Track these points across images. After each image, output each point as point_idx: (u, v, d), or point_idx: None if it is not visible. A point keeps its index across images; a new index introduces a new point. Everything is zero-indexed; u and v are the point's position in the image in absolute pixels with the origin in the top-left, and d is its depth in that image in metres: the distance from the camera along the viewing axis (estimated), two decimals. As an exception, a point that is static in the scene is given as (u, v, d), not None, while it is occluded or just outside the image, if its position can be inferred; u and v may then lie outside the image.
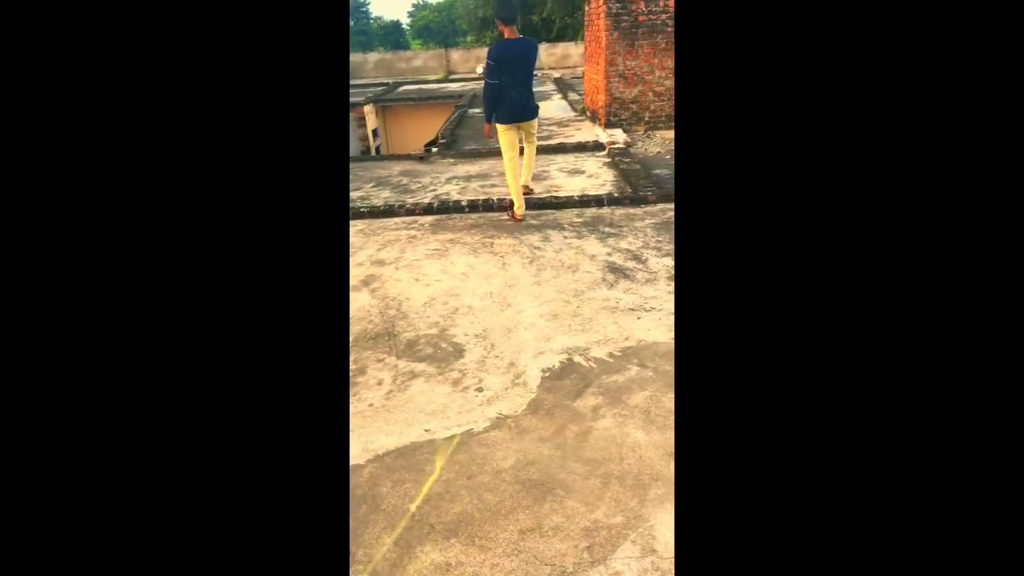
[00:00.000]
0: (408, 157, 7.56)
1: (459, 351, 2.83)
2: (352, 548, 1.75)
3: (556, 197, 5.00)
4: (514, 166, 4.38)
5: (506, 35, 4.17)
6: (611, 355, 2.71)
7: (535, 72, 4.55)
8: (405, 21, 47.49)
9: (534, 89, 4.41)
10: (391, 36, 44.62)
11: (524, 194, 4.64)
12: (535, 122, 4.50)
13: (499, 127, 4.31)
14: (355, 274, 3.80)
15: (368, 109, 12.51)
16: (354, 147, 12.13)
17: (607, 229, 4.34)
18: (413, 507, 1.90)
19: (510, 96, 4.17)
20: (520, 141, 4.50)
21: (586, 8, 8.25)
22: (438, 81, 16.36)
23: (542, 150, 6.90)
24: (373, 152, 12.26)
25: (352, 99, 12.88)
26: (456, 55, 18.31)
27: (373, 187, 5.96)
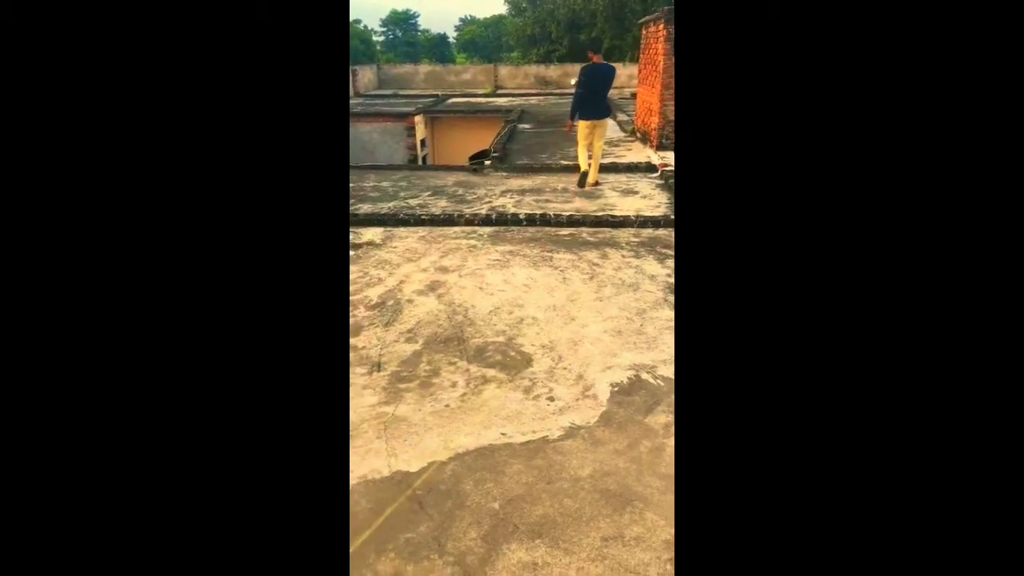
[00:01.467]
0: (461, 168, 7.74)
1: (527, 360, 2.91)
2: (441, 540, 1.83)
3: (613, 216, 5.07)
4: (584, 150, 6.16)
5: (594, 60, 5.84)
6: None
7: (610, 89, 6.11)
8: (452, 35, 48.47)
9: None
10: (437, 49, 45.57)
11: (593, 184, 6.26)
12: (607, 122, 6.13)
13: (580, 123, 5.99)
14: (421, 279, 3.93)
15: (418, 119, 12.83)
16: (401, 156, 12.44)
17: (664, 250, 4.39)
18: (496, 506, 1.97)
19: (591, 103, 5.85)
20: (591, 137, 6.08)
21: (644, 32, 8.37)
22: (486, 96, 16.68)
23: (594, 169, 7.02)
24: (420, 161, 12.55)
25: (402, 109, 13.23)
26: (504, 71, 18.63)
27: (430, 196, 6.12)
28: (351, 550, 1.79)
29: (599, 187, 6.23)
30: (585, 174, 6.14)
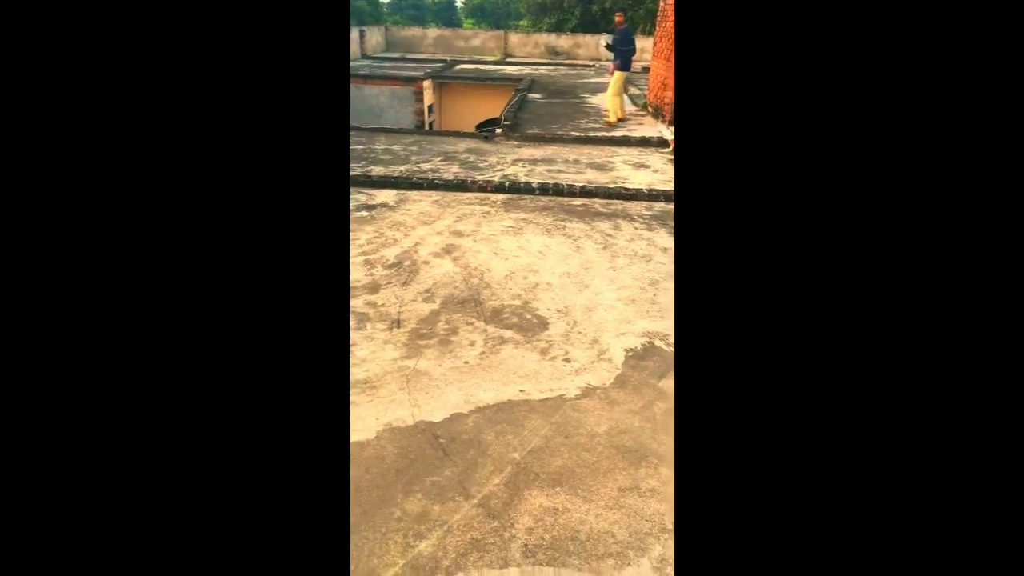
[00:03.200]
0: (472, 135, 7.70)
1: (543, 323, 2.98)
2: (465, 484, 1.93)
3: (625, 188, 5.09)
4: (613, 99, 7.94)
5: (619, 23, 7.61)
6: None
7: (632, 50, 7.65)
8: (459, 0, 47.26)
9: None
10: (444, 13, 44.49)
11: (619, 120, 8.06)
12: (624, 76, 7.74)
13: (617, 73, 7.65)
14: (436, 241, 3.97)
15: (426, 84, 12.64)
16: (409, 120, 12.31)
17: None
18: (517, 456, 2.06)
19: (625, 58, 7.52)
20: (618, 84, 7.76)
21: (661, 3, 8.23)
22: (495, 63, 16.41)
23: (604, 141, 7.02)
24: (427, 127, 12.42)
25: (410, 73, 13.03)
26: (514, 38, 18.28)
27: (442, 161, 6.11)
28: (377, 490, 1.88)
29: (611, 160, 6.23)
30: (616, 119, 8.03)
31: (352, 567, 1.62)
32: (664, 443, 2.15)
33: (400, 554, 1.66)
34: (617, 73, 7.63)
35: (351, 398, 2.34)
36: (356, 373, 2.52)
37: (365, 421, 2.21)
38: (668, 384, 2.51)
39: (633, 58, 7.66)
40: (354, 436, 2.13)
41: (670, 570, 1.64)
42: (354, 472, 1.97)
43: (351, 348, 2.70)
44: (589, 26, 19.44)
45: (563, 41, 18.14)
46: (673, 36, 7.41)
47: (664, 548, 1.71)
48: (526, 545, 1.70)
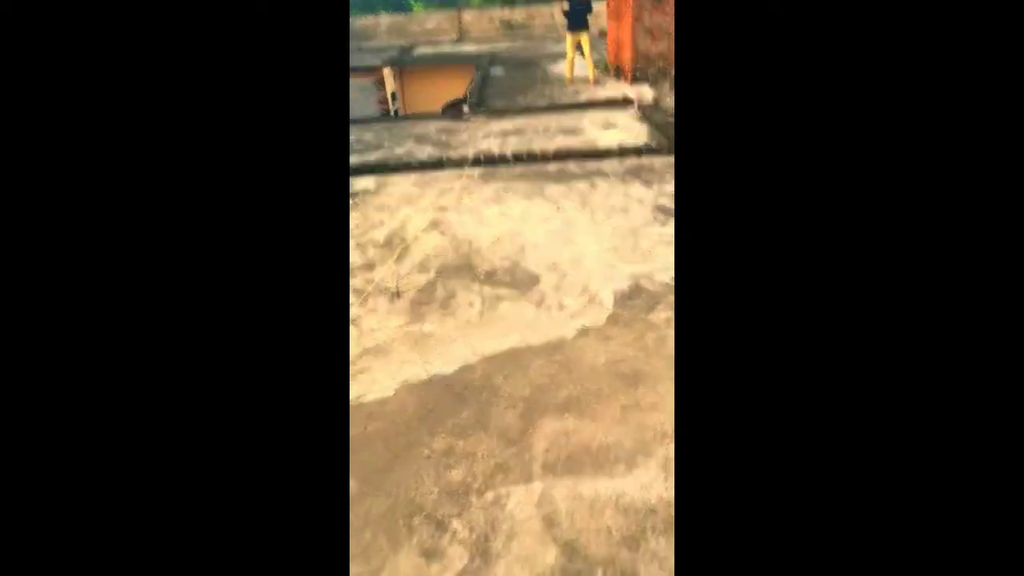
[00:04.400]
0: (441, 116, 7.76)
1: (534, 279, 3.16)
2: (483, 422, 2.11)
3: (597, 148, 5.25)
4: (569, 61, 8.25)
5: None
6: (674, 279, 3.03)
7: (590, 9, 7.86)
8: (407, -17, 46.38)
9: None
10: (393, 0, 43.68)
11: (594, 83, 8.02)
12: (587, 34, 7.80)
13: (567, 35, 7.89)
14: (422, 218, 4.11)
15: (387, 72, 12.58)
16: (373, 110, 12.26)
17: (649, 176, 4.61)
18: (527, 393, 2.25)
19: (574, 16, 7.63)
20: (579, 46, 7.88)
21: (611, -36, 8.29)
22: (452, 43, 16.31)
23: (572, 107, 7.14)
24: (393, 115, 12.39)
25: (369, 62, 12.93)
26: (468, 17, 18.12)
27: (414, 143, 6.20)
28: (403, 436, 2.06)
29: (580, 123, 6.37)
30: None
31: (391, 501, 1.80)
32: (657, 366, 2.35)
33: (434, 483, 1.85)
34: (568, 36, 7.93)
35: (364, 364, 2.51)
36: (366, 342, 2.68)
37: (382, 382, 2.38)
38: (656, 316, 2.71)
39: (589, 16, 7.73)
40: (374, 395, 2.31)
41: (673, 467, 1.86)
42: (380, 425, 2.14)
43: (357, 321, 2.86)
44: (542, -4, 19.28)
45: (517, 14, 18.02)
46: (626, -5, 7.50)
47: (667, 450, 1.92)
48: (545, 463, 1.90)
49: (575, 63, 8.28)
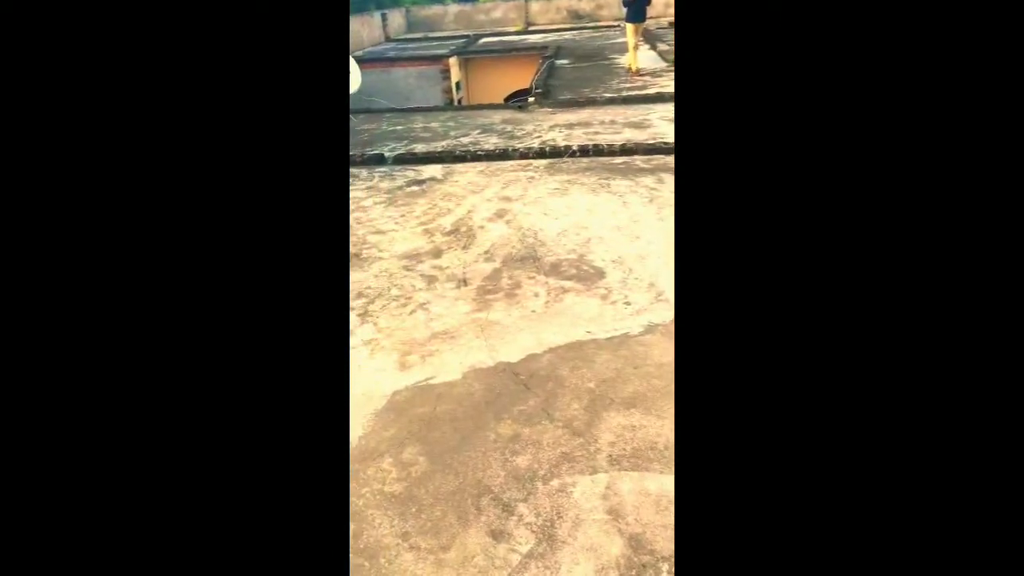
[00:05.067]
0: (506, 107, 7.80)
1: (600, 273, 3.15)
2: (549, 411, 2.15)
3: (665, 143, 5.15)
4: (633, 44, 8.53)
5: None
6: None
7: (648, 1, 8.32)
8: (474, -28, 46.54)
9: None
10: (460, -12, 43.96)
11: (631, 72, 8.52)
12: (641, 26, 8.49)
13: (627, 25, 8.38)
14: (488, 208, 4.17)
15: (452, 61, 12.72)
16: (438, 99, 12.44)
17: (720, 173, 4.49)
18: (592, 385, 2.27)
19: (633, 9, 8.13)
20: (636, 34, 8.47)
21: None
22: (517, 33, 16.29)
23: (638, 100, 7.04)
24: (456, 103, 12.53)
25: (436, 52, 13.12)
26: (535, 6, 18.05)
27: (480, 133, 6.27)
28: (471, 419, 2.12)
29: (647, 117, 6.26)
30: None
31: (460, 480, 1.87)
32: (727, 368, 2.31)
33: (501, 467, 1.90)
34: (627, 25, 8.37)
35: (433, 347, 2.59)
36: (434, 327, 2.76)
37: (450, 366, 2.45)
38: (726, 317, 2.65)
39: (648, 6, 8.29)
40: (442, 377, 2.38)
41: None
42: (447, 406, 2.21)
43: (426, 306, 2.94)
44: (610, -15, 18.94)
45: (584, 4, 17.80)
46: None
47: (736, 453, 1.89)
48: (611, 456, 1.92)
49: (637, 54, 8.67)
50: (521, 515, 1.72)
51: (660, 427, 2.02)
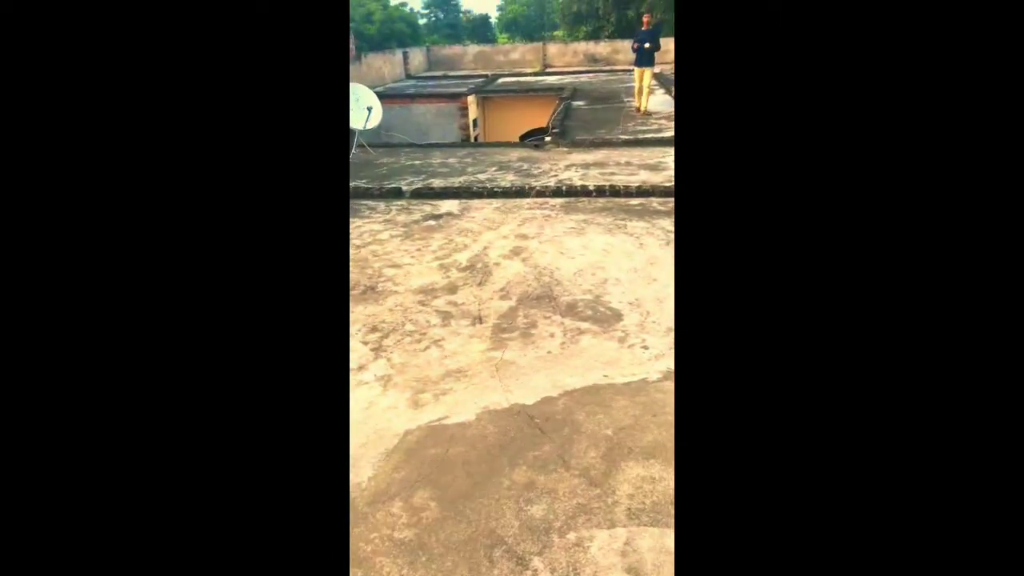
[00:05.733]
0: (522, 145, 7.92)
1: (617, 315, 3.12)
2: (565, 458, 2.08)
3: (681, 186, 5.18)
4: (639, 90, 9.03)
5: (645, 24, 8.57)
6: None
7: (657, 47, 8.54)
8: (493, 15, 48.14)
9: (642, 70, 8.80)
10: (479, 29, 45.39)
11: (640, 112, 9.04)
12: (649, 70, 8.75)
13: (636, 69, 8.84)
14: (504, 245, 4.17)
15: (470, 100, 13.01)
16: (455, 135, 12.68)
17: (736, 218, 4.49)
18: (609, 432, 2.20)
19: (641, 53, 8.45)
20: (643, 78, 8.83)
21: (704, 3, 8.29)
22: (535, 74, 16.71)
23: (654, 143, 7.13)
24: (472, 140, 12.76)
25: (454, 90, 13.44)
26: (552, 49, 18.57)
27: (497, 170, 6.34)
28: (484, 463, 2.06)
29: (663, 160, 6.32)
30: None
31: (472, 529, 1.80)
32: (749, 419, 2.24)
33: (515, 516, 1.83)
34: (636, 70, 8.86)
35: (447, 385, 2.54)
36: (448, 364, 2.72)
37: (464, 405, 2.40)
38: (746, 366, 2.60)
39: (658, 52, 8.67)
40: (456, 418, 2.33)
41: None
42: (460, 448, 2.15)
43: (440, 343, 2.91)
44: (626, 32, 19.51)
45: (601, 48, 18.28)
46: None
47: (761, 511, 1.81)
48: (629, 509, 1.84)
49: (645, 96, 9.16)
50: (536, 570, 1.64)
51: (680, 480, 1.95)
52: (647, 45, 8.30)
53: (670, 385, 2.48)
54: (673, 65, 15.43)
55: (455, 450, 2.15)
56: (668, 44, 18.12)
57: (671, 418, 2.27)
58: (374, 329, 3.06)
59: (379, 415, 2.36)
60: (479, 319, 3.13)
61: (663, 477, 1.97)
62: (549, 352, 2.78)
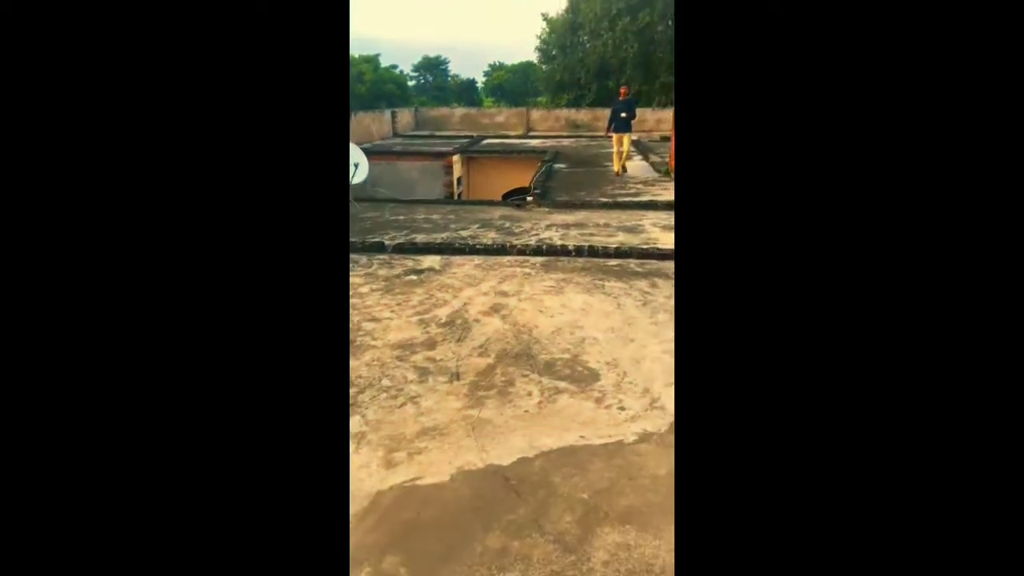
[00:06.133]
0: (504, 204, 8.12)
1: (594, 375, 3.13)
2: (539, 522, 2.04)
3: (658, 248, 5.33)
4: (616, 154, 9.74)
5: (623, 95, 9.52)
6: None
7: (633, 115, 9.43)
8: (480, 80, 50.30)
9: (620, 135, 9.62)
10: (466, 93, 47.28)
11: (618, 174, 9.63)
12: (628, 136, 9.61)
13: (613, 135, 9.63)
14: (483, 301, 4.21)
15: (456, 159, 13.39)
16: (439, 192, 12.96)
17: (711, 281, 4.61)
18: (586, 496, 2.17)
19: (618, 121, 9.27)
20: (620, 143, 9.60)
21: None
22: (518, 137, 17.34)
23: (632, 206, 7.37)
24: (456, 197, 13.04)
25: (440, 149, 13.84)
26: (536, 114, 19.36)
27: (479, 228, 6.46)
28: (457, 527, 2.00)
29: (640, 223, 6.52)
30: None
31: (442, 598, 1.73)
32: (725, 484, 2.24)
33: (487, 585, 1.77)
34: (613, 135, 9.62)
35: (422, 444, 2.50)
36: (424, 422, 2.68)
37: (439, 465, 2.36)
38: (722, 429, 2.61)
39: (634, 121, 9.50)
40: (429, 479, 2.27)
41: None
42: (433, 511, 2.10)
43: (416, 400, 2.88)
44: (606, 100, 20.48)
45: (582, 115, 19.12)
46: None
47: (737, 581, 1.78)
48: (605, 577, 1.80)
49: (622, 159, 9.88)
50: (507, 643, 1.58)
51: (656, 547, 1.92)
52: (623, 114, 9.16)
53: (646, 448, 2.48)
54: (650, 133, 16.20)
55: (428, 513, 2.09)
56: (644, 114, 19.09)
57: (647, 482, 2.25)
58: (350, 384, 3.02)
59: (351, 474, 2.30)
60: (457, 376, 3.12)
61: (639, 544, 1.93)
62: (526, 411, 2.77)
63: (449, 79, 49.69)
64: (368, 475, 2.30)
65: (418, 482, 2.25)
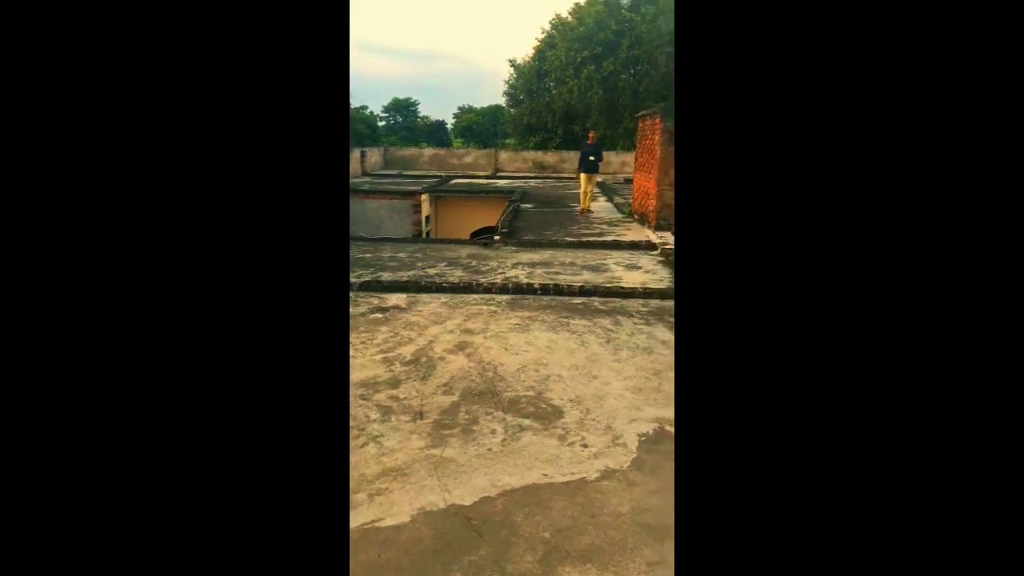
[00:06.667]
0: (471, 242, 8.21)
1: (558, 412, 3.15)
2: (501, 563, 2.01)
3: (621, 287, 5.46)
4: (584, 193, 10.38)
5: (591, 139, 10.31)
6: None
7: (600, 159, 10.24)
8: (450, 122, 51.30)
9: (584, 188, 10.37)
10: (436, 134, 48.10)
11: (582, 212, 10.33)
12: (594, 177, 10.44)
13: (581, 175, 10.31)
14: (449, 339, 4.21)
15: (424, 198, 13.52)
16: (407, 231, 13.01)
17: (672, 319, 4.73)
18: (547, 535, 2.16)
19: (587, 163, 10.04)
20: (588, 183, 10.27)
21: (640, 124, 9.20)
22: (486, 177, 17.67)
23: (597, 246, 7.55)
24: (424, 235, 13.10)
25: (409, 188, 13.97)
26: (504, 155, 19.82)
27: (446, 266, 6.51)
28: (416, 569, 1.97)
29: (604, 262, 6.68)
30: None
31: (400, 645, 1.68)
32: (685, 520, 2.26)
33: (446, 630, 1.73)
34: (581, 175, 10.30)
35: (382, 484, 2.46)
36: (386, 462, 2.64)
37: (400, 506, 2.31)
38: (682, 465, 2.65)
39: (601, 164, 10.35)
40: (390, 520, 2.23)
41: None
42: (393, 554, 2.05)
43: (379, 439, 2.84)
44: (572, 143, 21.18)
45: (549, 157, 19.66)
46: (653, 152, 8.23)
47: (697, 617, 1.79)
48: (566, 618, 1.78)
49: (588, 198, 10.50)
50: None
51: (618, 585, 1.91)
52: (591, 157, 9.92)
53: (608, 485, 2.49)
54: (614, 175, 16.75)
55: (387, 555, 2.04)
56: (609, 156, 19.76)
57: (609, 519, 2.26)
58: (310, 424, 2.96)
59: (308, 518, 2.23)
60: (420, 414, 3.09)
61: (600, 582, 1.93)
62: (490, 449, 2.76)
63: (419, 120, 50.54)
64: (326, 518, 2.24)
65: (378, 524, 2.21)
